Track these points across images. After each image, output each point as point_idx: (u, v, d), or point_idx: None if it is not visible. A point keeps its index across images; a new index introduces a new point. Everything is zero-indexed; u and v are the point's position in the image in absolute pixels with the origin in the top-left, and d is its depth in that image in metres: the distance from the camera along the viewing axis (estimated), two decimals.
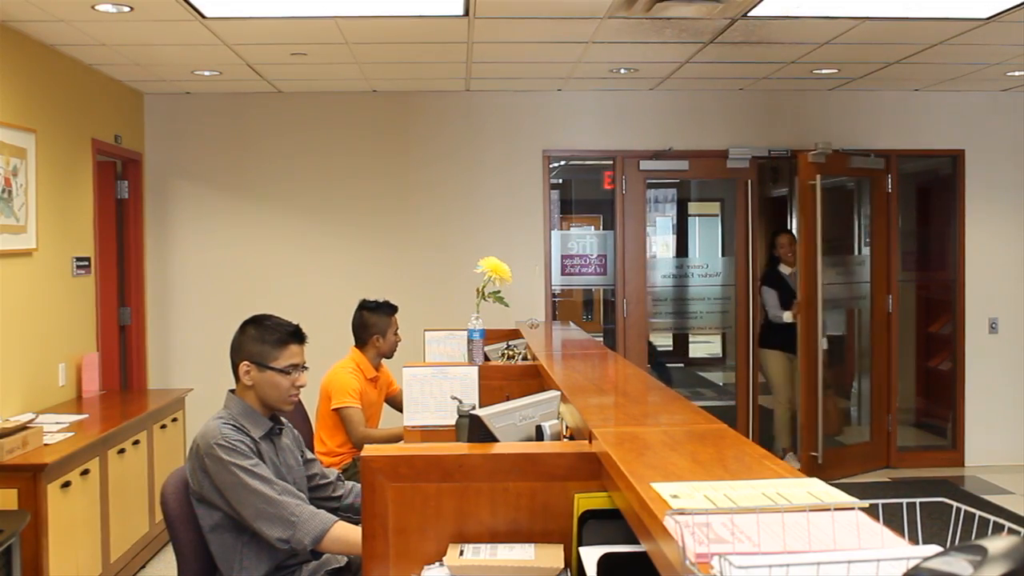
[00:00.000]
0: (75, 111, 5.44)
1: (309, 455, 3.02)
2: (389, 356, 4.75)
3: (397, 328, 4.73)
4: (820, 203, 6.57)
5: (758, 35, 5.10)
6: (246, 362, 2.81)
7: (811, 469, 6.40)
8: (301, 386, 2.87)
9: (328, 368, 4.57)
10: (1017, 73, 6.24)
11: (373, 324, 4.63)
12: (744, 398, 7.01)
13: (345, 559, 2.79)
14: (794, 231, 7.15)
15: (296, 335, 2.88)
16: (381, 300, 4.72)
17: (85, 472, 4.20)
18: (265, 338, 2.83)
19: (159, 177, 6.61)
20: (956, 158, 7.05)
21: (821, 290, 6.54)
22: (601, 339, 7.38)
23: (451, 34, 5.01)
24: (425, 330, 4.70)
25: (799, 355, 6.64)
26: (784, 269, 6.86)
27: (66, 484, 4.00)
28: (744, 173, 6.96)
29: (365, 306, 4.69)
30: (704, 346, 11.86)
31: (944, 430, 7.40)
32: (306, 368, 2.90)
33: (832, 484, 1.48)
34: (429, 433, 3.53)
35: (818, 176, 6.56)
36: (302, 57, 5.50)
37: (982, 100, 6.94)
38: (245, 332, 2.86)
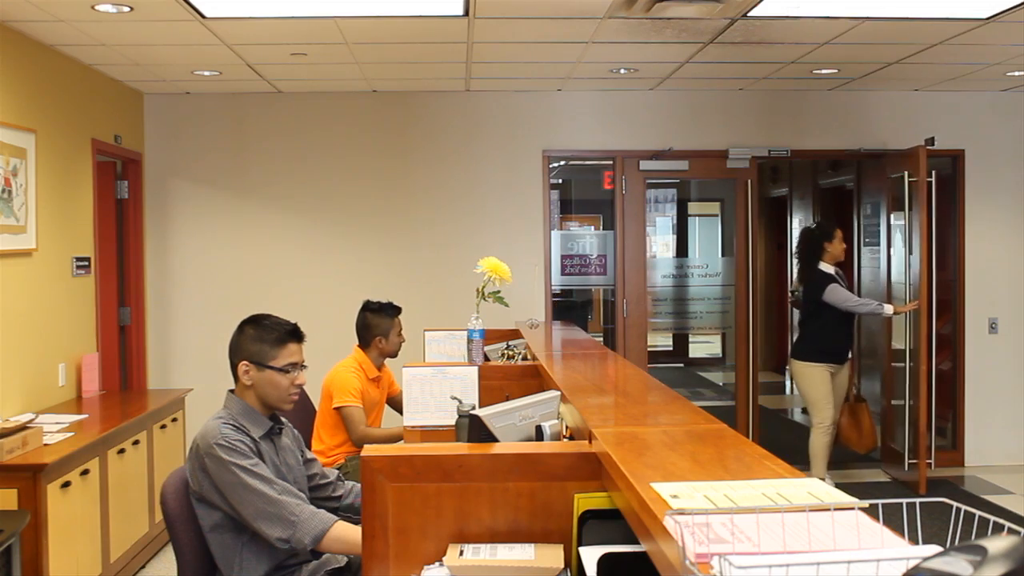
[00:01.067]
0: (75, 111, 5.45)
1: (309, 455, 3.02)
2: (393, 356, 4.76)
3: (401, 329, 4.74)
4: (935, 199, 6.56)
5: (758, 35, 5.10)
6: (245, 362, 2.81)
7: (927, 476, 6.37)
8: (300, 385, 2.87)
9: (329, 368, 4.58)
10: (1017, 73, 6.24)
11: (376, 325, 4.64)
12: (744, 398, 7.01)
13: (345, 559, 2.79)
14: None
15: (294, 334, 2.88)
16: (384, 301, 4.72)
17: (85, 472, 4.20)
18: (264, 337, 2.82)
19: (159, 177, 6.61)
20: (956, 158, 7.05)
21: (935, 290, 6.55)
22: (601, 339, 7.38)
23: (451, 34, 5.01)
24: (425, 330, 4.71)
25: (917, 364, 6.30)
26: (826, 267, 6.18)
27: (66, 484, 4.00)
28: (744, 173, 6.96)
29: (368, 307, 4.69)
30: (704, 346, 11.88)
31: (944, 430, 7.39)
32: (305, 367, 2.90)
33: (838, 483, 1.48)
34: (429, 433, 3.53)
35: (934, 172, 6.53)
36: (302, 57, 5.50)
37: (982, 100, 6.94)
38: (243, 332, 2.85)
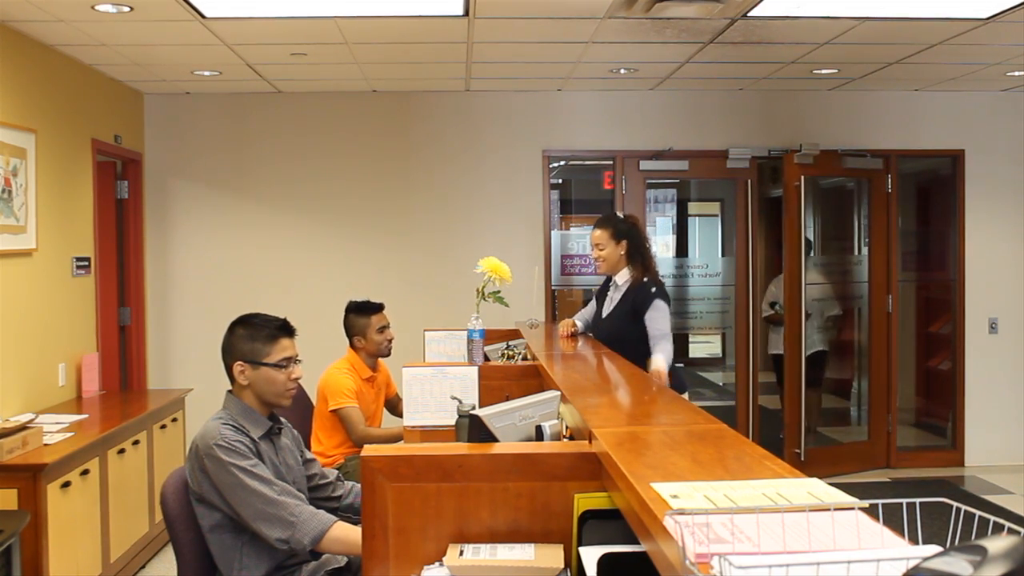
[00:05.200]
0: (75, 111, 5.44)
1: (308, 455, 3.02)
2: (383, 355, 4.69)
3: (384, 326, 4.62)
4: (804, 205, 6.62)
5: (758, 35, 5.10)
6: (240, 362, 2.81)
7: (796, 466, 6.32)
8: (297, 378, 2.87)
9: (325, 369, 4.56)
10: (1017, 73, 6.24)
11: (351, 325, 4.60)
12: (744, 398, 7.00)
13: (345, 559, 2.79)
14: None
15: (285, 328, 2.88)
16: (363, 300, 4.68)
17: (85, 472, 4.20)
18: (255, 336, 2.83)
19: (159, 177, 6.61)
20: (956, 158, 7.05)
21: (805, 291, 6.62)
22: None
23: (451, 34, 5.01)
24: (425, 330, 4.69)
25: (785, 354, 6.67)
26: None
27: (66, 484, 4.00)
28: (744, 173, 6.96)
29: (347, 307, 4.66)
30: (704, 346, 11.87)
31: (944, 430, 7.40)
32: (299, 360, 2.90)
33: (830, 483, 1.48)
34: (429, 433, 3.53)
35: (802, 177, 6.57)
36: (302, 57, 5.50)
37: (982, 100, 6.94)
38: (234, 333, 2.86)
